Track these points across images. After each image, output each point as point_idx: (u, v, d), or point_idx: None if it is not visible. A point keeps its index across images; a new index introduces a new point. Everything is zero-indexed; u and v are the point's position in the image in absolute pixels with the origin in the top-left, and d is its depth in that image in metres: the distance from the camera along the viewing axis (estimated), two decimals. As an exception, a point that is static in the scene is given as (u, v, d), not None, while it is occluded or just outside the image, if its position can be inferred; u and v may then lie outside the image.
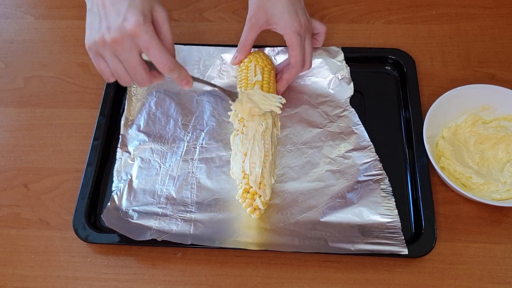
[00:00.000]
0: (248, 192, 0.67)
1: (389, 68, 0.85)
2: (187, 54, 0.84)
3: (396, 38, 0.89)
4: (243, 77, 0.77)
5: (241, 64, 0.79)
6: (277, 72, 0.80)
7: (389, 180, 0.71)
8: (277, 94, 0.78)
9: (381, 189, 0.70)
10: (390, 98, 0.82)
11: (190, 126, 0.78)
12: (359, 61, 0.85)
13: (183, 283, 0.67)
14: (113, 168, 0.75)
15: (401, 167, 0.75)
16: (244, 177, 0.68)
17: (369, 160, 0.73)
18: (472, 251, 0.68)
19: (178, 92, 0.82)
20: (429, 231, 0.67)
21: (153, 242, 0.67)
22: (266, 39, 0.86)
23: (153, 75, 0.64)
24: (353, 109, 0.78)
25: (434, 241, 0.67)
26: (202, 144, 0.76)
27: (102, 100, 0.81)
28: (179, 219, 0.69)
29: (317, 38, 0.82)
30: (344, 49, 0.85)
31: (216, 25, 0.92)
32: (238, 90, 0.76)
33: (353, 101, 0.80)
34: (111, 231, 0.69)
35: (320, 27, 0.81)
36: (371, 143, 0.74)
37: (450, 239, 0.69)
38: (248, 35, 0.77)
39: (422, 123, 0.72)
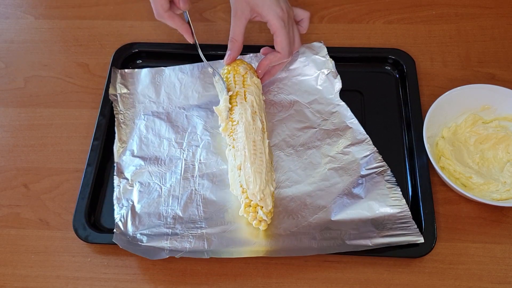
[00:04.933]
0: (250, 205, 0.67)
1: (389, 68, 0.85)
2: (162, 79, 0.84)
3: (396, 38, 0.89)
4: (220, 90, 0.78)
5: (222, 75, 0.79)
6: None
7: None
8: (258, 74, 0.78)
9: (385, 180, 0.70)
10: (390, 98, 0.82)
11: (185, 143, 0.77)
12: (359, 61, 0.85)
13: (183, 283, 0.67)
14: (112, 195, 0.73)
15: (401, 167, 0.75)
16: (243, 192, 0.68)
17: (368, 153, 0.73)
18: (472, 251, 0.68)
19: (167, 111, 0.81)
20: (429, 231, 0.67)
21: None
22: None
23: None
24: (344, 103, 0.78)
25: (434, 241, 0.67)
26: (200, 160, 0.75)
27: (102, 100, 0.81)
28: (190, 236, 0.68)
29: (301, 24, 0.81)
30: (344, 49, 0.85)
31: (216, 25, 0.92)
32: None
33: (353, 101, 0.80)
34: (111, 231, 0.69)
35: (302, 14, 0.80)
36: (368, 136, 0.74)
37: (450, 239, 0.69)
38: (236, 30, 0.76)
39: (422, 123, 0.72)
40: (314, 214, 0.69)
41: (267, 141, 0.72)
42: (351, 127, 0.76)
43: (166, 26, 0.77)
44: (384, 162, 0.72)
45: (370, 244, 0.65)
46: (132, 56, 0.87)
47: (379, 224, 0.67)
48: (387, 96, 0.82)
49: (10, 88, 0.86)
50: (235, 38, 0.77)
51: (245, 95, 0.75)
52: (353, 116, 0.77)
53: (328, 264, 0.68)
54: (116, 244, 0.68)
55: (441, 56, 0.86)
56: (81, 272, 0.69)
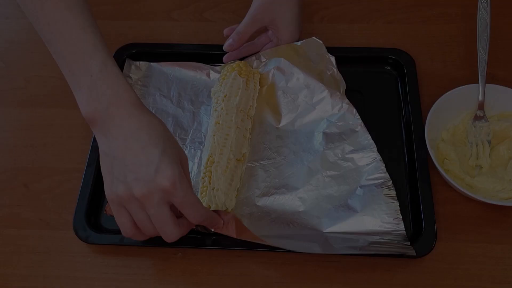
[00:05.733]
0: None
1: (389, 68, 0.85)
2: (175, 74, 0.84)
3: (396, 38, 0.89)
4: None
5: (220, 77, 0.79)
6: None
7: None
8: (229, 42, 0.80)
9: (384, 194, 0.68)
10: (390, 98, 0.82)
11: (188, 139, 0.77)
12: (359, 61, 0.85)
13: (183, 283, 0.67)
14: None
15: (401, 167, 0.75)
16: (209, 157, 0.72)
17: (371, 161, 0.71)
18: (472, 251, 0.68)
19: (175, 106, 0.80)
20: (429, 231, 0.67)
21: (153, 243, 0.67)
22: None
23: (180, 224, 0.58)
24: (350, 104, 0.75)
25: (434, 241, 0.67)
26: (200, 157, 0.75)
27: (102, 100, 0.81)
28: None
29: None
30: (344, 49, 0.85)
31: (216, 25, 0.92)
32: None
33: (353, 101, 0.79)
34: (111, 231, 0.69)
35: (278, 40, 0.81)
36: (373, 142, 0.72)
37: (450, 239, 0.69)
38: (248, 27, 0.76)
39: (422, 123, 0.72)
40: (307, 223, 0.68)
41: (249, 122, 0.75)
42: (356, 131, 0.73)
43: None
44: (386, 173, 0.69)
45: (358, 252, 0.64)
46: (132, 56, 0.87)
47: (371, 238, 0.65)
48: (387, 96, 0.82)
49: (10, 88, 0.86)
50: (242, 31, 0.77)
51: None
52: (359, 118, 0.74)
53: (328, 264, 0.68)
54: (116, 244, 0.68)
55: (441, 56, 0.86)
56: (81, 272, 0.69)
